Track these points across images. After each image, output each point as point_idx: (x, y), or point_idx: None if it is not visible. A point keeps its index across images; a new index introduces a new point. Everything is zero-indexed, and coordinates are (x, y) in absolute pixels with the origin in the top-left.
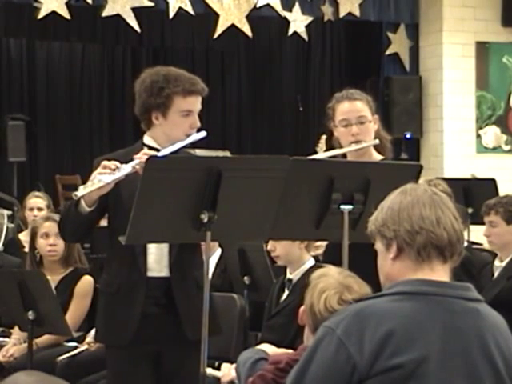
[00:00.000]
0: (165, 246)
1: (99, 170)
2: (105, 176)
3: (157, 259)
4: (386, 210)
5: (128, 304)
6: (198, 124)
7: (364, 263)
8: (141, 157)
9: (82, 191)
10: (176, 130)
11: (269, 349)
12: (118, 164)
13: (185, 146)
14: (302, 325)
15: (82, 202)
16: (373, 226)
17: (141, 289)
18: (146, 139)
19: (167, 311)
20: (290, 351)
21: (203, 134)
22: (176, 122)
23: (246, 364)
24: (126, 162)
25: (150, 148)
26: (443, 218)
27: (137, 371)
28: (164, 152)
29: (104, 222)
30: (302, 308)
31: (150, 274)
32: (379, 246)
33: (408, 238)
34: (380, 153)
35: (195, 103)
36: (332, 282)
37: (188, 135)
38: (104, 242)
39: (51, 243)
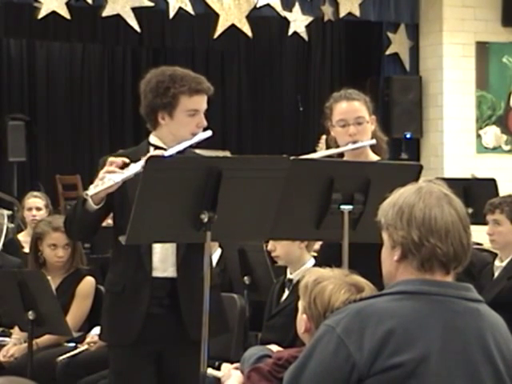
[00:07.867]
0: (170, 246)
1: (107, 167)
2: (115, 175)
3: (162, 258)
4: (397, 210)
5: (133, 304)
6: (205, 123)
7: (364, 264)
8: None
9: (92, 190)
10: (182, 129)
11: (276, 349)
12: (126, 160)
13: (191, 146)
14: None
15: (90, 200)
16: (382, 218)
17: (146, 289)
18: (152, 139)
19: (171, 311)
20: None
21: (209, 133)
22: (182, 121)
23: (250, 360)
24: (135, 162)
25: (157, 147)
26: (452, 232)
27: (139, 371)
28: (170, 152)
29: (105, 223)
30: (304, 317)
31: (154, 273)
32: (386, 239)
33: (414, 249)
34: (376, 153)
35: (201, 102)
36: (341, 284)
37: (194, 134)
38: (104, 242)
39: (60, 255)
